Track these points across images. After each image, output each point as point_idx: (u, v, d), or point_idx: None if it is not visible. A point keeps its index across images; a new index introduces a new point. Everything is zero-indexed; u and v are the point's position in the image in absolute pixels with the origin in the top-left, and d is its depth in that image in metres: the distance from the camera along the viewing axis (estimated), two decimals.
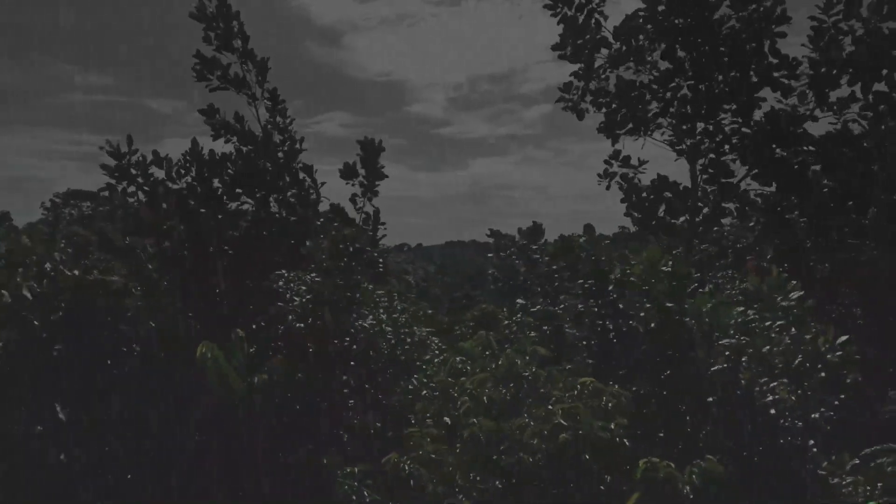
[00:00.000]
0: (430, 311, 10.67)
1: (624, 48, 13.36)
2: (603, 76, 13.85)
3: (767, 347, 7.57)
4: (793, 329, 7.85)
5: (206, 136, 12.30)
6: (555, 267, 9.85)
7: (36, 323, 8.07)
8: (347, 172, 13.33)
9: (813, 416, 7.25)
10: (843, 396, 7.75)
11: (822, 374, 7.58)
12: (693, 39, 12.58)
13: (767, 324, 7.79)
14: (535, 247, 12.57)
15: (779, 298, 8.05)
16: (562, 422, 5.82)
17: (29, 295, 8.21)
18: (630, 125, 13.65)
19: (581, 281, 9.35)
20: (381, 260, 12.51)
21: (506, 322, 9.89)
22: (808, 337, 7.65)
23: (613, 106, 13.72)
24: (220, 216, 10.86)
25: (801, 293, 8.09)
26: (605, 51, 13.73)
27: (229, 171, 11.35)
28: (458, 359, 7.62)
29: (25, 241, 9.11)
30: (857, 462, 6.86)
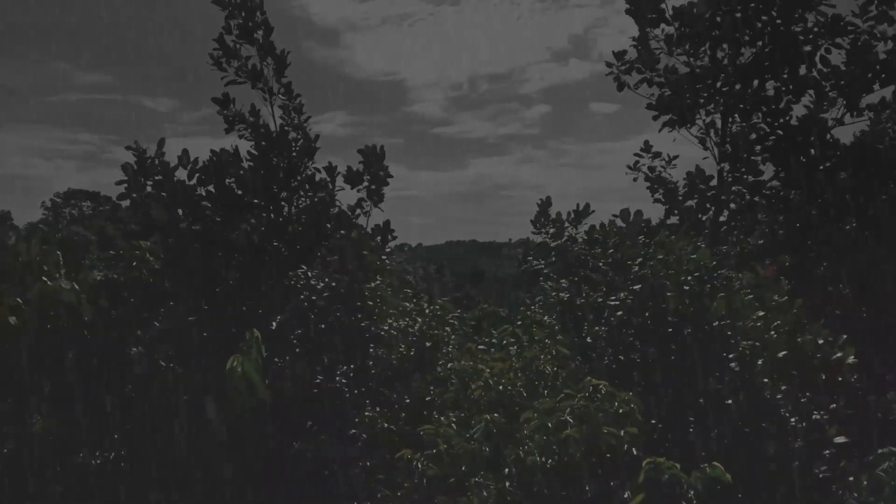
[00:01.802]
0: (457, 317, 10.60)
1: (680, 31, 13.15)
2: (658, 54, 13.58)
3: (784, 353, 7.58)
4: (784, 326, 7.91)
5: (205, 136, 12.21)
6: (590, 254, 9.69)
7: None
8: (352, 178, 13.05)
9: (815, 417, 7.29)
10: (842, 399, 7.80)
11: (823, 376, 7.64)
12: (743, 36, 12.47)
13: (776, 324, 7.82)
14: (574, 230, 12.18)
15: (774, 296, 8.11)
16: (568, 419, 5.79)
17: (13, 321, 7.87)
18: (673, 114, 13.47)
19: (603, 265, 9.22)
20: (385, 258, 12.47)
21: (528, 312, 9.73)
22: (808, 338, 7.69)
23: (662, 91, 13.59)
24: (230, 215, 10.78)
25: (787, 286, 8.13)
26: (663, 29, 13.47)
27: (241, 169, 11.22)
28: (479, 347, 7.64)
29: (21, 247, 8.76)
30: (862, 466, 6.86)
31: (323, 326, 8.06)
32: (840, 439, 7.11)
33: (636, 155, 14.38)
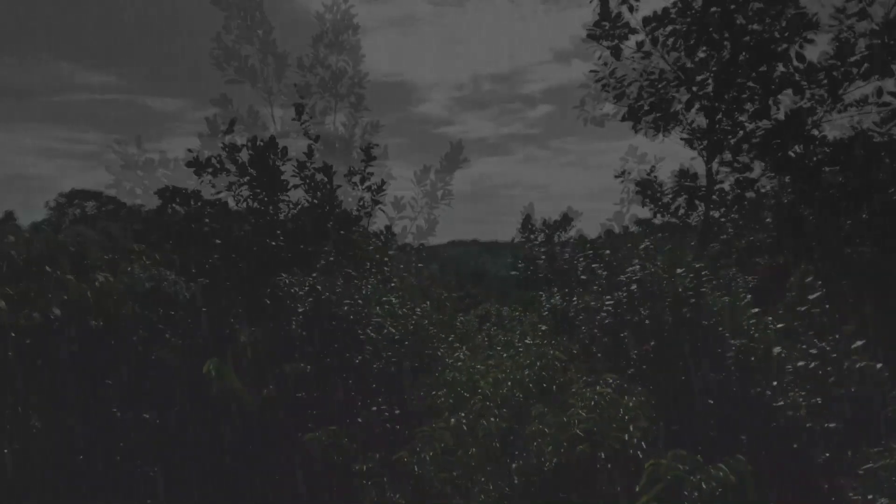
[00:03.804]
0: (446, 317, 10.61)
1: (651, 38, 13.48)
2: (631, 64, 13.94)
3: (777, 349, 7.58)
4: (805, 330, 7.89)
5: (205, 136, 12.19)
6: (578, 261, 9.83)
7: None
8: (352, 175, 13.01)
9: (827, 424, 7.27)
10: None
11: (833, 380, 7.62)
12: (719, 38, 12.68)
13: (780, 325, 7.81)
14: (558, 237, 12.50)
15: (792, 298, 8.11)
16: (578, 433, 5.83)
17: (59, 312, 7.86)
18: (654, 114, 13.73)
19: (597, 267, 9.27)
20: (386, 259, 12.41)
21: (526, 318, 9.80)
22: (820, 341, 7.67)
23: (636, 96, 13.79)
24: (226, 216, 10.76)
25: (819, 293, 8.10)
26: (633, 38, 13.78)
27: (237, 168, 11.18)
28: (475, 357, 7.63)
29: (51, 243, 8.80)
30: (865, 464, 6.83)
31: (306, 333, 7.99)
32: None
33: (622, 160, 14.67)
